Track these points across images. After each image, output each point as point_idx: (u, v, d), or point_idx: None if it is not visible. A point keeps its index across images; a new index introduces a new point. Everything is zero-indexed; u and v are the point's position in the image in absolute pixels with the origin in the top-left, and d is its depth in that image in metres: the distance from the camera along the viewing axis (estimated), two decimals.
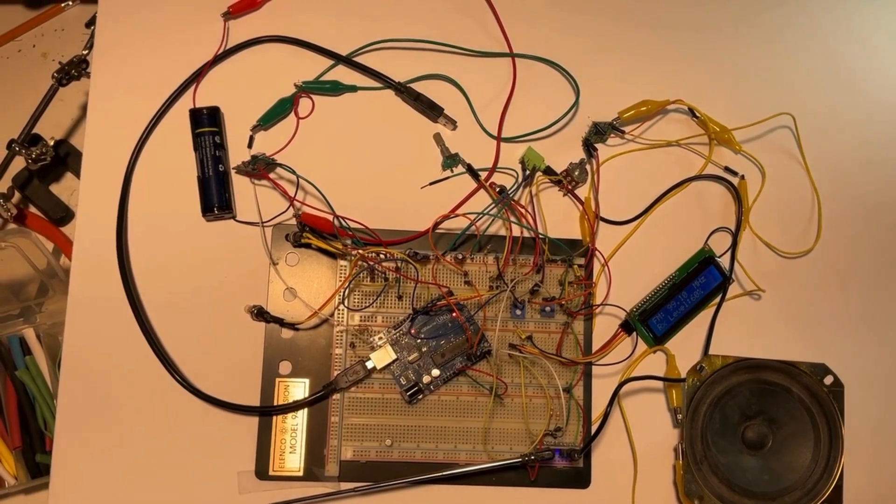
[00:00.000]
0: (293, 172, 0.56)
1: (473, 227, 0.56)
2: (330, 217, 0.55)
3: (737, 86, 0.61)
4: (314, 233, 0.55)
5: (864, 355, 0.59)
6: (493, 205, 0.56)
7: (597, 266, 0.58)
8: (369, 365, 0.54)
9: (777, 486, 0.53)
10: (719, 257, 0.58)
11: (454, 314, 0.55)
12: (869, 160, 0.62)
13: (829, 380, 0.54)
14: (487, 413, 0.55)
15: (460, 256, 0.56)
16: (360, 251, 0.54)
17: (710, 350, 0.57)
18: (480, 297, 0.55)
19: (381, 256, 0.55)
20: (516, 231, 0.57)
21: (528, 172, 0.58)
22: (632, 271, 0.58)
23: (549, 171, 0.59)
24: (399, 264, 0.56)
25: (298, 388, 0.55)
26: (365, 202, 0.57)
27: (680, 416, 0.55)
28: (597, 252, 0.57)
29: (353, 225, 0.56)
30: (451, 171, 0.59)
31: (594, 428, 0.56)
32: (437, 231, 0.57)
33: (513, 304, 0.57)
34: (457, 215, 0.57)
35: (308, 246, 0.56)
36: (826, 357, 0.56)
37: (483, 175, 0.58)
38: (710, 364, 0.54)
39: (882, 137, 0.62)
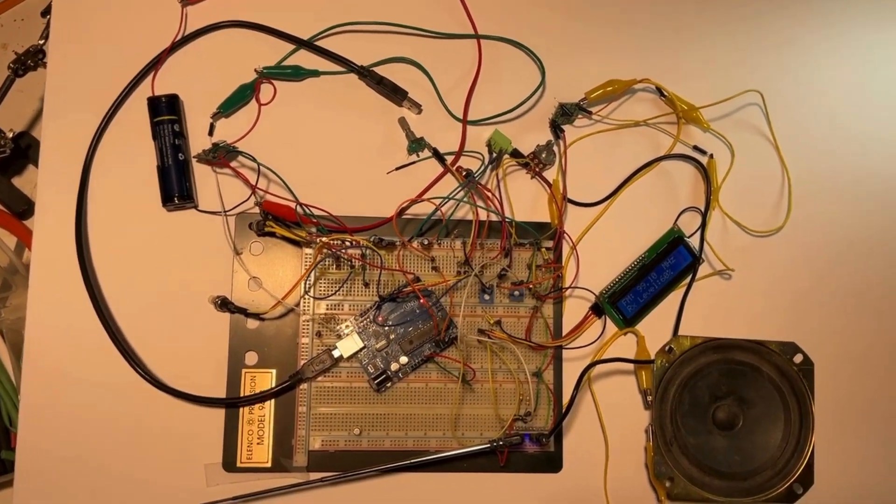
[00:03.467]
0: (253, 160, 0.55)
1: (439, 213, 0.55)
2: (292, 205, 0.54)
3: (704, 64, 0.61)
4: (277, 221, 0.54)
5: (835, 333, 0.58)
6: (458, 189, 0.55)
7: (566, 249, 0.57)
8: (336, 354, 0.54)
9: (748, 466, 0.53)
10: (689, 237, 0.58)
11: (421, 301, 0.55)
12: (839, 137, 0.61)
13: (798, 358, 0.54)
14: (456, 400, 0.55)
15: (426, 242, 0.55)
16: (324, 239, 0.53)
17: (681, 331, 0.57)
18: (447, 282, 0.55)
19: (346, 244, 0.55)
20: (483, 215, 0.56)
21: (494, 155, 0.57)
22: (601, 253, 0.58)
23: (516, 154, 0.58)
24: (364, 251, 0.55)
25: (266, 379, 0.54)
26: (330, 189, 0.56)
27: (650, 398, 0.54)
28: (565, 235, 0.57)
29: (317, 212, 0.55)
30: (417, 155, 0.58)
31: (562, 411, 0.55)
32: (405, 217, 0.56)
33: (481, 290, 0.56)
34: (422, 200, 0.56)
35: (272, 235, 0.55)
36: (797, 335, 0.56)
37: (449, 159, 0.57)
38: (679, 345, 0.54)
39: (852, 114, 0.61)
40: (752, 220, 0.59)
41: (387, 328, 0.55)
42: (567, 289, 0.56)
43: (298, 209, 0.54)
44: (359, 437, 0.54)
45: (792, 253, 0.59)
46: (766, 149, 0.60)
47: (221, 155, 0.54)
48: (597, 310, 0.57)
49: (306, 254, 0.55)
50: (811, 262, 0.59)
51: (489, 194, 0.56)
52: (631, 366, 0.56)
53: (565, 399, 0.56)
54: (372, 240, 0.54)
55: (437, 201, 0.55)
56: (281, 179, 0.55)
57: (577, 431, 0.56)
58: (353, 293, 0.55)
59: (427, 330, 0.55)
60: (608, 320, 0.57)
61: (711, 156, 0.59)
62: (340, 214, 0.55)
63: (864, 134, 0.61)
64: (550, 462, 0.55)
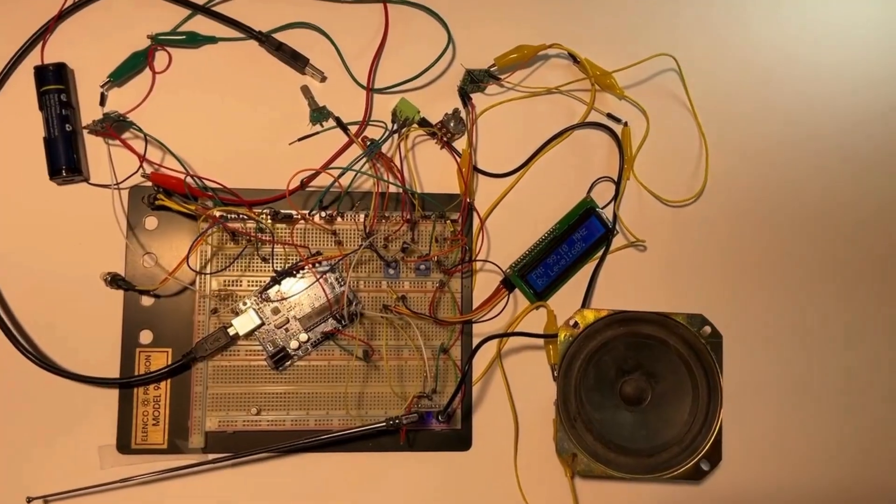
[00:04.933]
0: (140, 130, 0.52)
1: (338, 185, 0.53)
2: (183, 176, 0.52)
3: (618, 27, 0.58)
4: (168, 194, 0.52)
5: (746, 305, 0.57)
6: (358, 158, 0.53)
7: (476, 221, 0.55)
8: (232, 331, 0.52)
9: (654, 442, 0.51)
10: (602, 208, 0.56)
11: (323, 276, 0.53)
12: (758, 101, 0.59)
13: (706, 331, 0.52)
14: (356, 378, 0.53)
15: (325, 214, 0.53)
16: (209, 211, 0.51)
17: (594, 304, 0.55)
18: (340, 256, 0.52)
19: (239, 217, 0.52)
20: (388, 186, 0.54)
21: (396, 125, 0.55)
22: (513, 225, 0.56)
23: (424, 124, 0.56)
24: (261, 225, 0.53)
25: (161, 359, 0.52)
26: (230, 161, 0.54)
27: (556, 373, 0.53)
28: (474, 206, 0.55)
29: (211, 184, 0.53)
30: (321, 125, 0.55)
31: (473, 390, 0.54)
32: (309, 189, 0.54)
33: (386, 264, 0.54)
34: (319, 171, 0.53)
35: (168, 209, 0.52)
36: (709, 308, 0.55)
37: (354, 129, 0.55)
38: (583, 318, 0.52)
39: (771, 77, 0.59)
40: (667, 190, 0.57)
41: (286, 304, 0.53)
42: (471, 261, 0.54)
43: (189, 181, 0.51)
44: (257, 416, 0.52)
45: (706, 223, 0.57)
46: (683, 115, 0.58)
47: (109, 125, 0.52)
48: (508, 284, 0.55)
49: (203, 228, 0.53)
50: (725, 233, 0.57)
51: (391, 164, 0.54)
52: (542, 341, 0.55)
53: (476, 376, 0.54)
54: (269, 213, 0.52)
55: (338, 173, 0.53)
56: (169, 150, 0.52)
57: (488, 408, 0.54)
58: (251, 269, 0.53)
59: (328, 305, 0.53)
60: (519, 294, 0.55)
61: (626, 124, 0.57)
62: (241, 187, 0.53)
63: (783, 98, 0.59)
64: (459, 440, 0.54)
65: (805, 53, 0.60)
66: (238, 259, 0.53)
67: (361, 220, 0.54)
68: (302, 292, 0.53)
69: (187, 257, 0.50)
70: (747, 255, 0.57)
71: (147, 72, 0.55)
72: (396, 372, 0.53)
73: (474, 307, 0.54)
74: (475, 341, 0.54)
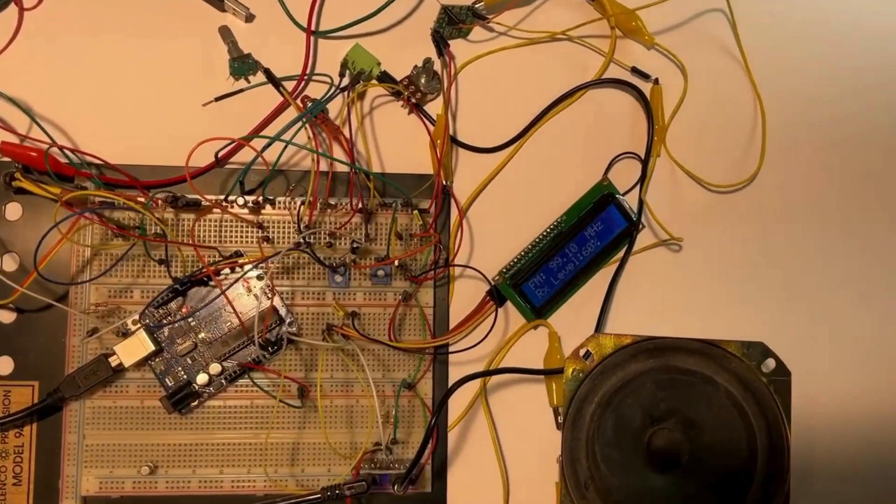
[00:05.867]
0: None
1: (262, 160, 0.39)
2: (45, 147, 0.38)
3: None
4: (31, 172, 0.39)
5: (821, 329, 0.45)
6: (291, 124, 0.40)
7: (454, 212, 0.43)
8: (115, 361, 0.39)
9: None
10: (623, 195, 0.44)
11: (244, 284, 0.39)
12: (833, 53, 0.47)
13: (769, 365, 0.39)
14: (288, 424, 0.40)
15: (248, 201, 0.40)
16: (69, 196, 0.37)
17: (609, 325, 0.44)
18: (262, 258, 0.39)
19: (121, 204, 0.39)
20: (333, 163, 0.41)
21: (347, 80, 0.42)
22: (505, 218, 0.45)
23: (384, 78, 0.43)
24: (144, 213, 0.39)
25: (25, 395, 0.40)
26: (122, 128, 0.43)
27: (560, 419, 0.40)
28: (451, 192, 0.43)
29: (92, 159, 0.40)
30: (246, 80, 0.43)
31: (448, 438, 0.42)
32: (229, 166, 0.42)
33: (331, 269, 0.41)
34: (237, 143, 0.40)
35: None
36: (772, 333, 0.44)
37: (290, 85, 0.43)
38: (599, 347, 0.39)
39: (849, 22, 0.48)
40: (711, 171, 0.46)
41: (193, 323, 0.40)
42: (447, 266, 0.42)
43: (55, 153, 0.38)
44: (151, 476, 0.40)
45: (763, 215, 0.46)
46: (733, 71, 0.47)
47: None
48: (496, 296, 0.43)
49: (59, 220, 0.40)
50: (789, 229, 0.46)
51: (336, 134, 0.41)
52: (542, 376, 0.42)
53: (452, 419, 0.42)
54: (167, 198, 0.39)
55: (266, 144, 0.40)
56: (24, 110, 0.39)
57: (468, 464, 0.43)
58: (145, 274, 0.40)
59: (250, 327, 0.40)
60: (511, 309, 0.44)
61: (656, 81, 0.46)
62: (133, 163, 0.41)
63: (866, 51, 0.48)
64: None
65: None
66: (123, 261, 0.39)
67: (297, 208, 0.41)
68: (214, 307, 0.40)
69: (35, 266, 0.36)
70: (820, 258, 0.46)
71: (12, 7, 0.43)
72: (344, 415, 0.41)
73: (451, 327, 0.43)
74: (451, 374, 0.42)
